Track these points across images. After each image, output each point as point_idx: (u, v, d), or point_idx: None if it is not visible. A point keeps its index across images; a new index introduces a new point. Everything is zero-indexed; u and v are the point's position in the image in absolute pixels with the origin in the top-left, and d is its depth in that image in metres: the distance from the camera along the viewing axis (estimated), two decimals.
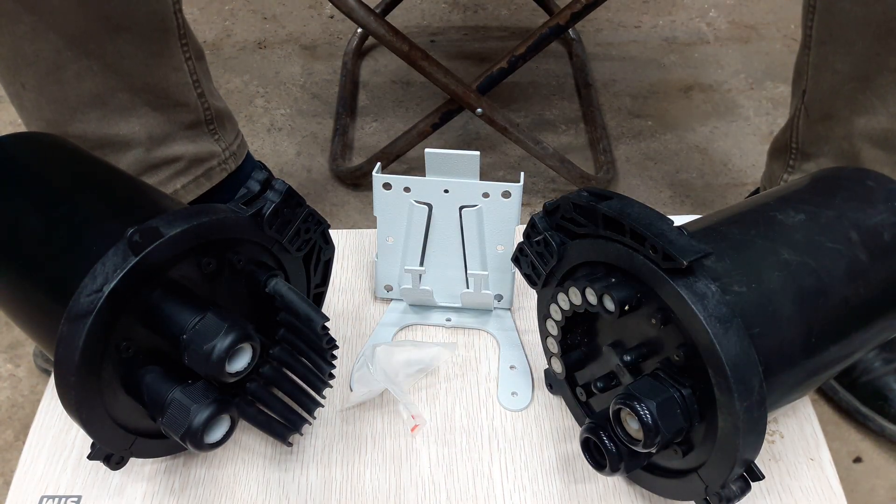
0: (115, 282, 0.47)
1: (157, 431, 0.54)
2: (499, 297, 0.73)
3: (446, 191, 0.66)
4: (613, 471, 0.52)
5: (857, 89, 0.78)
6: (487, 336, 0.72)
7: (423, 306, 0.74)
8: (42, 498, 0.60)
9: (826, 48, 0.79)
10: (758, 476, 0.49)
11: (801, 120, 0.87)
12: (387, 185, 0.67)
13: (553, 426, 0.65)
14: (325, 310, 0.67)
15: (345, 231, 0.82)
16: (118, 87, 0.78)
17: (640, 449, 0.49)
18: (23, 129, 0.81)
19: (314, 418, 0.61)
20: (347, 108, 1.37)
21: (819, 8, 0.77)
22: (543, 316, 0.60)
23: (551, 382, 0.66)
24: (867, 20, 0.72)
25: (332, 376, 0.60)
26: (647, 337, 0.52)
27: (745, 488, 0.50)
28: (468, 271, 0.71)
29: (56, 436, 0.64)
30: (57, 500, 0.60)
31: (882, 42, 0.73)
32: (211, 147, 0.89)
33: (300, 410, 0.60)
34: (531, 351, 0.70)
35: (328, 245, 0.63)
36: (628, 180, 1.25)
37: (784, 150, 0.91)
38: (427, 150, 0.64)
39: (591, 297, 0.52)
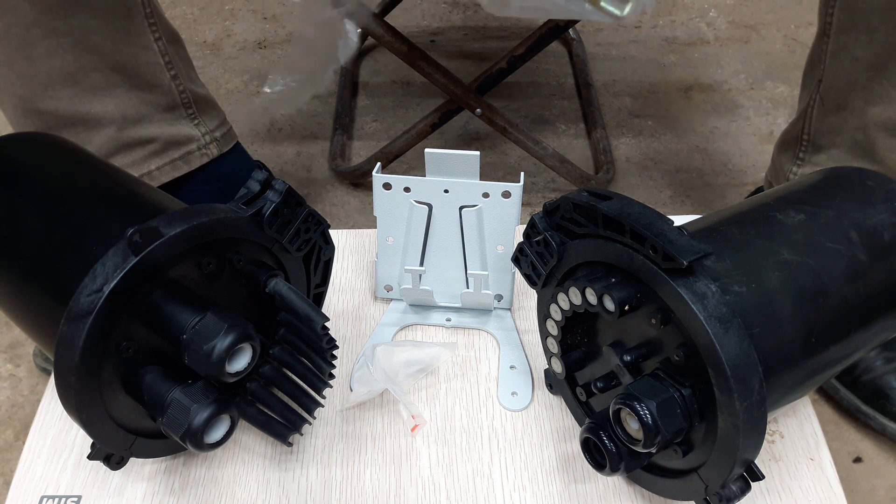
0: (115, 282, 0.47)
1: (157, 431, 0.54)
2: (499, 297, 0.73)
3: (446, 191, 0.66)
4: (613, 471, 0.52)
5: (874, 78, 0.78)
6: (487, 336, 0.72)
7: (423, 306, 0.74)
8: (42, 498, 0.60)
9: (847, 35, 0.79)
10: (758, 476, 0.49)
11: (814, 110, 0.87)
12: (387, 185, 0.67)
13: (553, 426, 0.65)
14: (325, 310, 0.67)
15: (345, 231, 0.82)
16: (89, 65, 0.78)
17: (640, 449, 0.49)
18: None
19: (314, 418, 0.61)
20: (347, 107, 1.37)
21: None
22: (543, 316, 0.61)
23: (551, 382, 0.66)
24: (891, 6, 0.72)
25: (332, 376, 0.60)
26: (647, 337, 0.52)
27: (745, 488, 0.50)
28: (468, 271, 0.71)
29: (56, 436, 0.64)
30: (57, 500, 0.60)
31: None
32: (189, 131, 0.89)
33: (300, 410, 0.60)
34: (531, 351, 0.70)
35: (328, 245, 0.63)
36: (628, 180, 1.25)
37: (794, 142, 0.91)
38: (427, 150, 0.64)
39: (591, 297, 0.52)
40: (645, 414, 0.48)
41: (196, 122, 0.89)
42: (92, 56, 0.78)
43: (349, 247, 0.80)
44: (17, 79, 0.77)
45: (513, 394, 0.67)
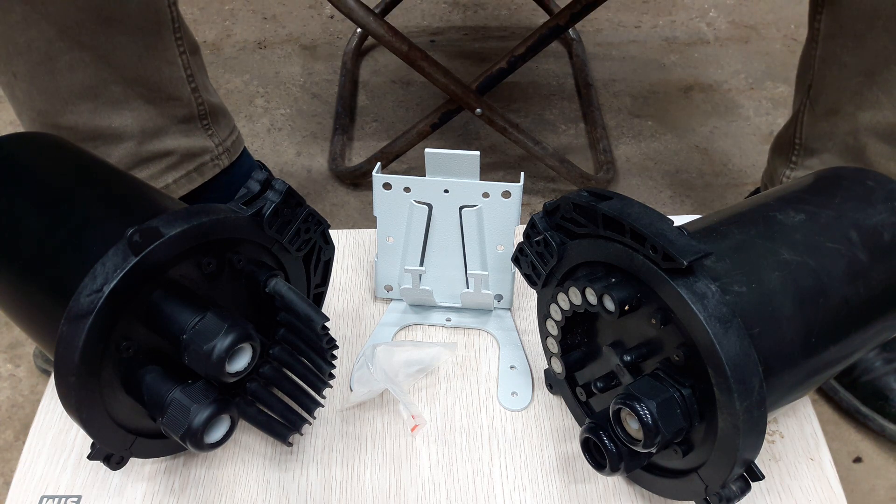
0: (115, 282, 0.47)
1: (157, 431, 0.54)
2: (499, 297, 0.73)
3: (446, 191, 0.66)
4: (613, 471, 0.52)
5: (864, 84, 0.78)
6: (487, 336, 0.72)
7: (423, 306, 0.74)
8: (42, 498, 0.60)
9: (834, 42, 0.79)
10: (758, 476, 0.49)
11: (805, 115, 0.87)
12: (387, 185, 0.67)
13: (553, 426, 0.65)
14: (325, 310, 0.67)
15: (345, 231, 0.82)
16: (110, 79, 0.78)
17: (640, 449, 0.49)
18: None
19: (314, 418, 0.61)
20: (347, 108, 1.37)
21: (829, 1, 0.77)
22: (543, 316, 0.60)
23: (551, 382, 0.66)
24: (877, 14, 0.72)
25: (332, 376, 0.60)
26: (647, 337, 0.52)
27: (745, 488, 0.50)
28: (468, 271, 0.71)
29: (56, 436, 0.64)
30: (57, 500, 0.60)
31: (891, 36, 0.73)
32: (204, 142, 0.89)
33: (300, 410, 0.60)
34: (531, 351, 0.70)
35: (328, 245, 0.63)
36: (628, 180, 1.25)
37: (787, 145, 0.91)
38: (427, 150, 0.64)
39: (591, 297, 0.52)
40: (645, 414, 0.48)
41: (210, 132, 0.90)
42: (113, 69, 0.77)
43: (349, 247, 0.80)
44: (37, 93, 0.76)
45: (513, 394, 0.67)
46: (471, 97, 1.11)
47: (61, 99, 0.77)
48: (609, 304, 0.51)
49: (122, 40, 0.76)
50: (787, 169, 0.90)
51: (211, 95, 0.90)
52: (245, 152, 0.98)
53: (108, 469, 0.54)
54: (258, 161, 0.61)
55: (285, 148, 1.31)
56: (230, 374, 0.49)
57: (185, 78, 0.84)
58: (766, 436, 0.57)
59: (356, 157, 1.30)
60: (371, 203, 0.69)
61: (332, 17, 1.60)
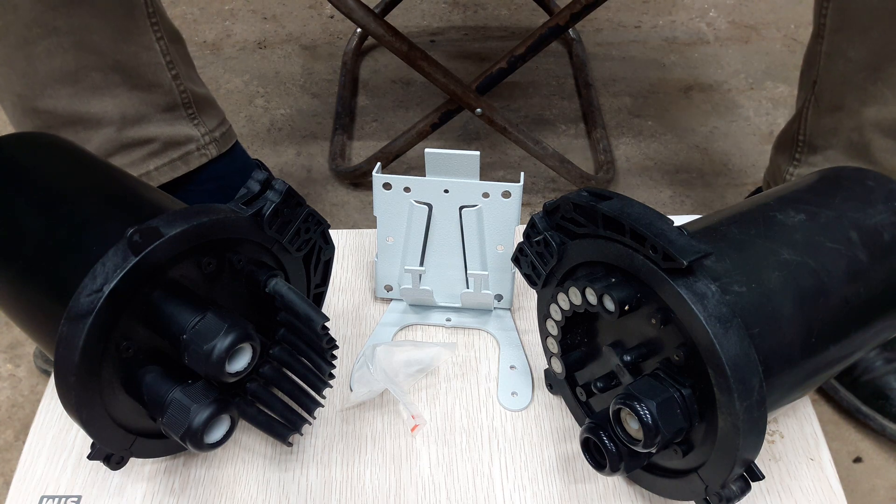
0: (115, 282, 0.47)
1: (157, 431, 0.54)
2: (499, 297, 0.73)
3: (446, 191, 0.66)
4: (613, 471, 0.52)
5: (868, 79, 0.78)
6: (487, 336, 0.72)
7: (423, 306, 0.74)
8: (42, 498, 0.60)
9: (840, 36, 0.79)
10: (758, 476, 0.49)
11: (810, 111, 0.87)
12: (387, 185, 0.67)
13: (553, 426, 0.65)
14: (325, 310, 0.67)
15: (345, 231, 0.82)
16: (89, 64, 0.78)
17: (640, 449, 0.49)
18: None
19: (314, 418, 0.61)
20: (347, 108, 1.37)
21: None
22: (543, 316, 0.61)
23: (551, 382, 0.66)
24: (884, 7, 0.73)
25: (332, 376, 0.60)
26: (647, 337, 0.52)
27: (745, 488, 0.50)
28: (468, 271, 0.71)
29: (56, 436, 0.64)
30: (57, 500, 0.60)
31: None
32: (188, 131, 0.89)
33: (300, 410, 0.60)
34: (531, 351, 0.70)
35: (328, 245, 0.63)
36: (628, 180, 1.25)
37: (790, 143, 0.91)
38: (427, 150, 0.64)
39: (591, 297, 0.52)
40: (645, 414, 0.48)
41: (195, 122, 0.89)
42: (92, 55, 0.78)
43: (349, 247, 0.80)
44: (16, 77, 0.77)
45: (513, 394, 0.67)
46: (471, 97, 1.11)
47: (39, 83, 0.77)
48: (609, 304, 0.51)
49: (96, 24, 0.76)
50: (791, 166, 0.90)
51: (196, 86, 0.90)
52: (238, 147, 0.98)
53: (108, 469, 0.54)
54: (257, 160, 0.61)
55: (285, 148, 1.31)
56: (230, 374, 0.49)
57: (164, 64, 0.84)
58: (766, 436, 0.57)
59: (356, 157, 1.30)
60: (371, 203, 0.69)
61: (332, 17, 1.60)
